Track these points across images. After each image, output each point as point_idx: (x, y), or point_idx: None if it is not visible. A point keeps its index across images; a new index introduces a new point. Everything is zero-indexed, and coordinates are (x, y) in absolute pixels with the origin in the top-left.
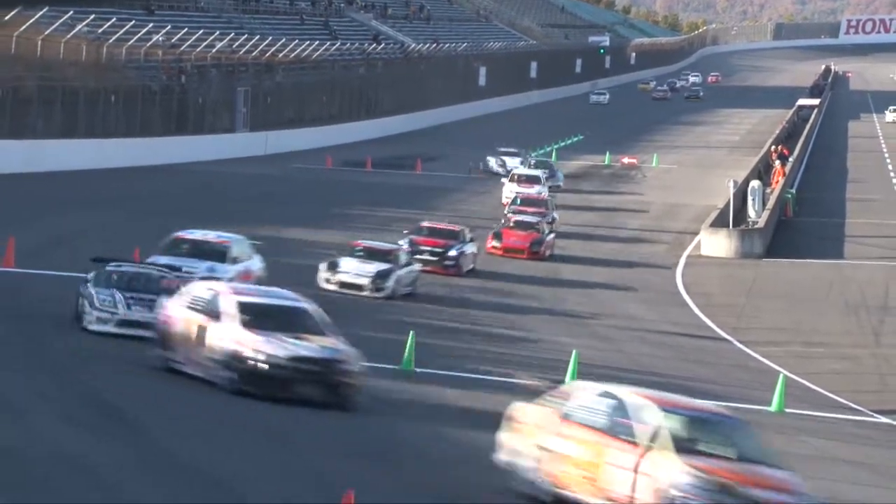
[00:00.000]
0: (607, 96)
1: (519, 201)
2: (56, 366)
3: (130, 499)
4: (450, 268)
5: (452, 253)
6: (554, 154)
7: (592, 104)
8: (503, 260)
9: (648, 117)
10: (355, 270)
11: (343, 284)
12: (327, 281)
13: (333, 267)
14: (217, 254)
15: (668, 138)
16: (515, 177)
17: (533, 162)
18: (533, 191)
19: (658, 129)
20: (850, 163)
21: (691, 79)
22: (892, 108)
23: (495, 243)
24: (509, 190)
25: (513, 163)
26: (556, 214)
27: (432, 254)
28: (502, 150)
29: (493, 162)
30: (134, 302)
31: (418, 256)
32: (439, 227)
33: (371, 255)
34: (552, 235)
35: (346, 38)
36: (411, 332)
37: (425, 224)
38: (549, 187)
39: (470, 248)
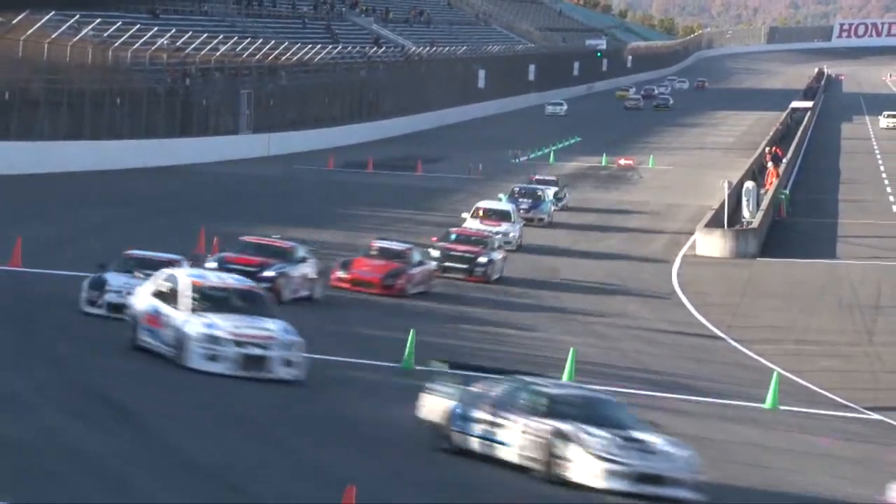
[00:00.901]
0: (565, 107)
1: (454, 237)
2: (62, 362)
3: (136, 491)
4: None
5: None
6: (552, 156)
7: (549, 115)
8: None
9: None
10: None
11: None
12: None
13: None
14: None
15: (664, 140)
16: (480, 211)
17: (518, 190)
18: (500, 228)
19: (654, 130)
20: (843, 164)
21: (677, 85)
22: (886, 112)
23: (341, 274)
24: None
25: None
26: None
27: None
28: (537, 178)
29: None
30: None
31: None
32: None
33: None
34: (433, 265)
35: (347, 42)
36: (412, 331)
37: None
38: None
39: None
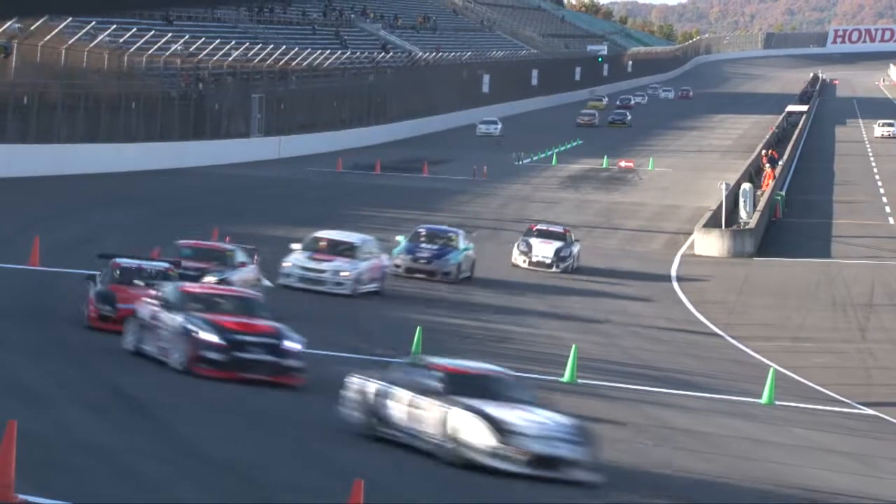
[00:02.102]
0: (499, 126)
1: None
2: (80, 358)
3: (153, 484)
4: (562, 269)
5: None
6: (554, 158)
7: (480, 136)
8: (501, 258)
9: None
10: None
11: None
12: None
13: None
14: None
15: (664, 142)
16: (321, 242)
17: (423, 231)
18: (331, 265)
19: (654, 133)
20: (837, 166)
21: (662, 94)
22: (881, 121)
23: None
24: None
25: (545, 250)
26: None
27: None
28: (540, 227)
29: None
30: None
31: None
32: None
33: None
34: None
35: (356, 48)
36: (418, 328)
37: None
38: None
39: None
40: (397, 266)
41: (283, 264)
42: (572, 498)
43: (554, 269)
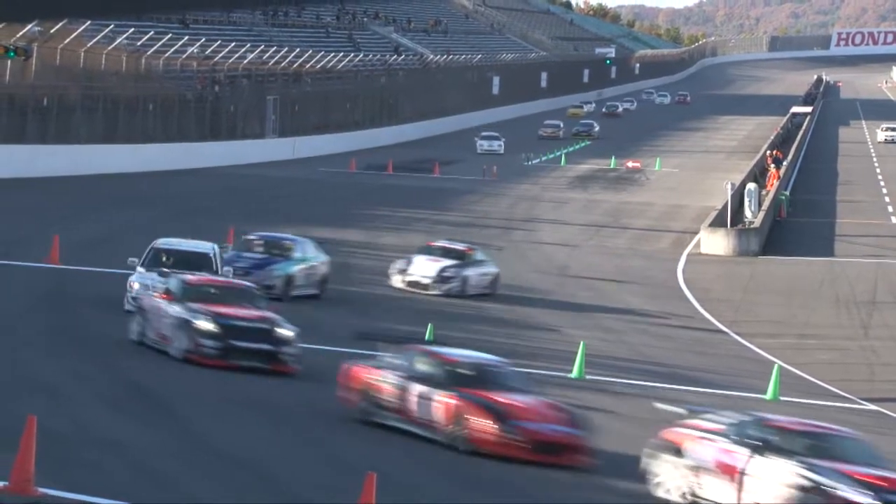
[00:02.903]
0: (502, 142)
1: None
2: (99, 355)
3: (168, 478)
4: (443, 291)
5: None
6: (563, 158)
7: (482, 153)
8: (510, 257)
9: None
10: (422, 270)
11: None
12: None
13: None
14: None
15: (670, 143)
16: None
17: (253, 239)
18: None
19: (661, 134)
20: (841, 166)
21: (657, 99)
22: (884, 126)
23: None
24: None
25: (425, 269)
26: None
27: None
28: (441, 244)
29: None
30: None
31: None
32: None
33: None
34: None
35: (368, 50)
36: (430, 325)
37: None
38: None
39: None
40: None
41: (132, 284)
42: (579, 488)
43: (433, 292)
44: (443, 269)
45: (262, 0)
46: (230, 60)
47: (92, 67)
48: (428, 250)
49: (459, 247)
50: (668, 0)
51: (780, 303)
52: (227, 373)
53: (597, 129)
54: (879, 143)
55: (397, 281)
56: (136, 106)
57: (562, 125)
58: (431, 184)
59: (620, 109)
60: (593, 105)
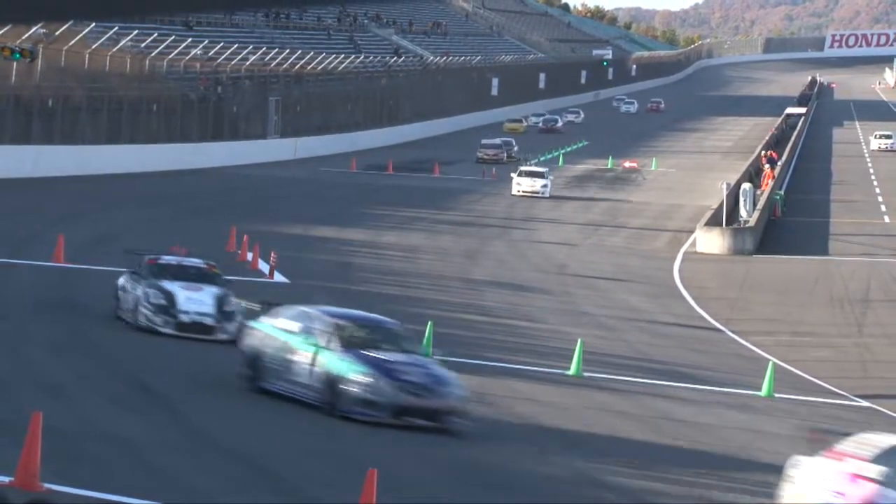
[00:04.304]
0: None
1: None
2: (103, 353)
3: (175, 476)
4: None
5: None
6: (561, 159)
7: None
8: (510, 256)
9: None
10: None
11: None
12: None
13: None
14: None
15: (667, 143)
16: None
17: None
18: None
19: (657, 135)
20: (835, 167)
21: (623, 108)
22: (878, 133)
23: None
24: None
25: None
26: None
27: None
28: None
29: None
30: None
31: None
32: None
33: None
34: None
35: (369, 52)
36: (429, 322)
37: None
38: None
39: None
40: None
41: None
42: (580, 485)
43: (221, 337)
44: (221, 299)
45: (264, 2)
46: (233, 62)
47: (96, 69)
48: (163, 271)
49: (198, 263)
50: (665, 2)
51: (775, 301)
52: (229, 371)
53: (516, 148)
54: (874, 151)
55: (158, 323)
56: (140, 107)
57: (514, 143)
58: (431, 184)
59: (560, 124)
60: (544, 116)
